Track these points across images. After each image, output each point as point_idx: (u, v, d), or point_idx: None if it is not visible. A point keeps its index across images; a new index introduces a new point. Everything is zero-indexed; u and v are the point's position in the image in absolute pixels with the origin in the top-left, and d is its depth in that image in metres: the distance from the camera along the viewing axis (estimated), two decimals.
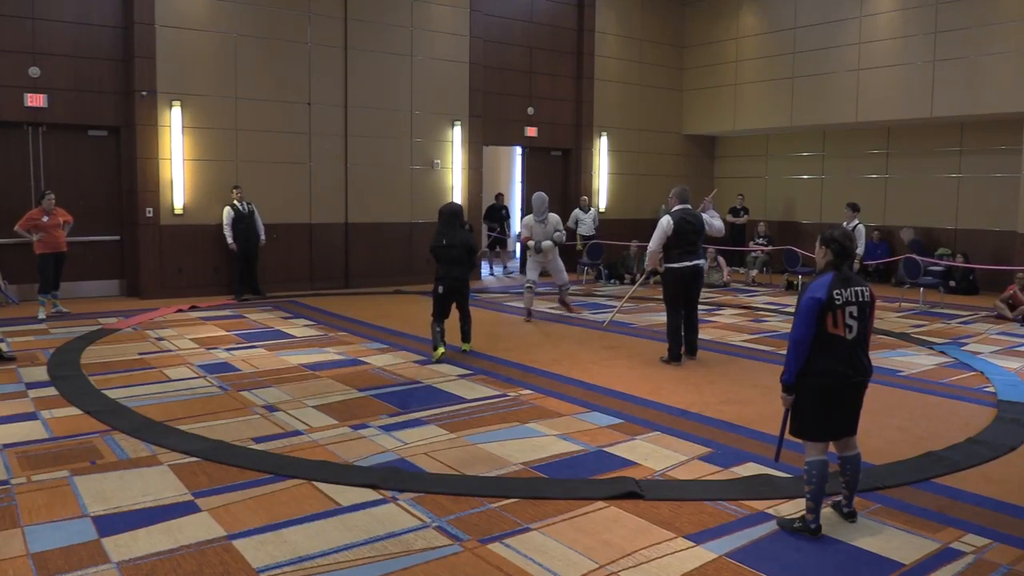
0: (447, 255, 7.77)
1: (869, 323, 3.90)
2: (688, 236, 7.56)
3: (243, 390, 6.52)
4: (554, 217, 9.90)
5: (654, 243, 7.71)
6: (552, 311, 10.84)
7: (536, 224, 9.77)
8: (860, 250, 11.81)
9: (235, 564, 3.51)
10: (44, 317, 9.73)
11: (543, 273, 10.55)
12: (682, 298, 7.70)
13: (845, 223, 11.63)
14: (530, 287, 10.03)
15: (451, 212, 7.90)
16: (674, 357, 7.70)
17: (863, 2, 14.33)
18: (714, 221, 7.93)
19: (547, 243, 9.68)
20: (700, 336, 8.10)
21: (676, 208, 7.71)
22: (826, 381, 3.80)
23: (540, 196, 9.90)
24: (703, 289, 8.82)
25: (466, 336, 8.16)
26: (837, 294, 3.77)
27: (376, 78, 13.44)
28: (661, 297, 8.12)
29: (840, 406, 3.88)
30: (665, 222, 7.58)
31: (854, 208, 11.91)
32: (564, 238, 9.92)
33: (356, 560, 3.57)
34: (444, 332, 7.86)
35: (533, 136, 15.71)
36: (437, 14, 14.03)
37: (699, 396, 6.49)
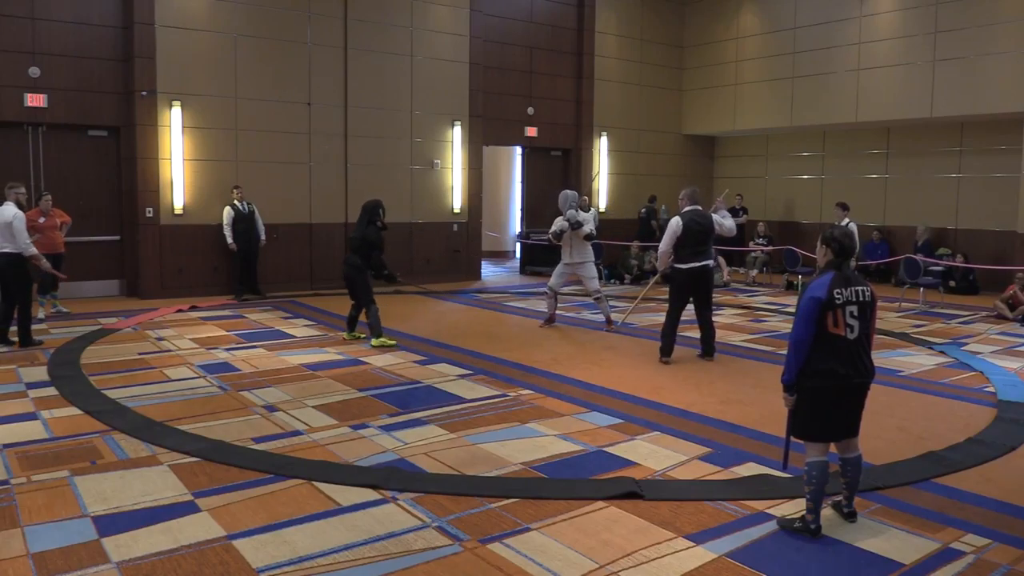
0: (350, 244, 8.71)
1: (871, 323, 3.88)
2: (697, 236, 7.59)
3: (243, 390, 6.52)
4: (580, 214, 9.45)
5: (664, 243, 7.75)
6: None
7: (560, 221, 9.43)
8: None
9: (235, 564, 3.51)
10: (44, 317, 9.73)
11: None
12: (687, 297, 7.74)
13: (836, 222, 11.61)
14: (548, 292, 9.74)
15: (363, 208, 8.67)
16: (664, 352, 7.74)
17: (863, 2, 14.33)
18: (725, 221, 7.95)
19: (562, 223, 9.30)
20: None
21: (687, 209, 7.73)
22: (827, 382, 3.78)
23: (564, 194, 9.56)
24: None
25: (372, 329, 8.40)
26: (837, 293, 3.76)
27: (376, 78, 13.44)
28: (665, 297, 8.10)
29: (841, 407, 3.86)
30: (675, 223, 7.63)
31: (844, 207, 11.86)
32: (585, 229, 9.29)
33: (356, 560, 3.57)
34: (352, 318, 8.75)
35: (533, 136, 15.70)
36: (437, 14, 14.03)
37: (699, 396, 6.49)
